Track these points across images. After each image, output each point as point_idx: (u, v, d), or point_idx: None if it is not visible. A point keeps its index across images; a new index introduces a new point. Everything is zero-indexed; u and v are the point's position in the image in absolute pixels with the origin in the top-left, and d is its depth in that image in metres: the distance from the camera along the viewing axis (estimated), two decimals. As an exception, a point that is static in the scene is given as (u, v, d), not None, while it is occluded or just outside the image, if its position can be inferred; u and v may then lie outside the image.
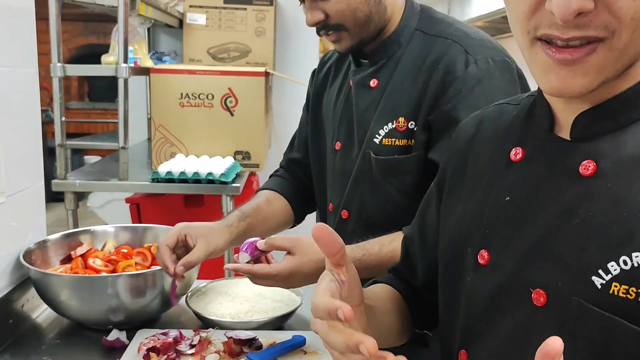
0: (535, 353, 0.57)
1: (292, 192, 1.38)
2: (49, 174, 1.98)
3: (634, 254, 0.52)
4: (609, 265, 0.54)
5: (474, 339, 0.67)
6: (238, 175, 2.24)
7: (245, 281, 1.35)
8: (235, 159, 2.33)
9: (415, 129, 1.10)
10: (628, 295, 0.52)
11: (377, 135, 1.13)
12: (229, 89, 2.30)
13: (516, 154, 0.66)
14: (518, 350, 0.61)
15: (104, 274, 1.24)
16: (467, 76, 1.06)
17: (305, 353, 1.10)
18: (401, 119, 1.11)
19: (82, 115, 5.29)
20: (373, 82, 1.16)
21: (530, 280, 0.60)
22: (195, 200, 2.48)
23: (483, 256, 0.66)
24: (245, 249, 1.08)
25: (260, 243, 1.08)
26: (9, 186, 1.21)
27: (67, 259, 1.33)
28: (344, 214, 1.21)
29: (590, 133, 0.59)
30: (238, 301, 1.25)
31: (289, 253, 1.07)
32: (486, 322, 0.65)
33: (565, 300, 0.56)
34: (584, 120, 0.60)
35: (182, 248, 1.15)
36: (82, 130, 5.04)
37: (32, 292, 1.25)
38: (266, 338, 1.14)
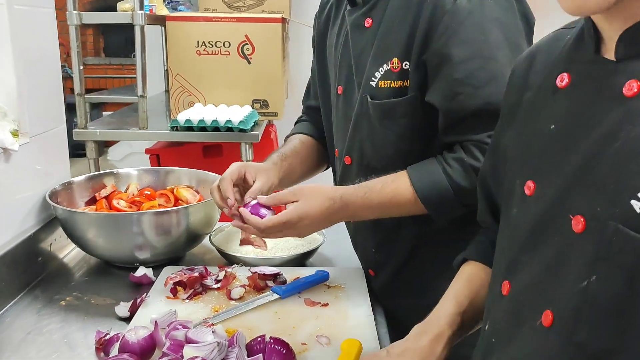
0: (571, 280, 0.56)
1: (319, 134, 1.37)
2: (69, 129, 1.98)
3: None
4: None
5: (517, 269, 0.66)
6: (256, 124, 2.24)
7: (268, 220, 1.36)
8: (253, 107, 2.31)
9: (409, 69, 1.05)
10: None
11: (373, 78, 1.09)
12: (246, 36, 2.27)
13: (562, 79, 0.64)
14: (555, 278, 0.60)
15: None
16: (456, 9, 0.99)
17: (329, 287, 1.12)
18: (395, 60, 1.05)
19: (99, 71, 5.28)
20: (367, 22, 1.11)
21: (571, 207, 0.59)
22: (214, 150, 2.48)
23: (529, 187, 0.65)
24: (251, 211, 1.04)
25: (262, 198, 1.06)
26: (32, 127, 1.22)
27: (92, 201, 1.35)
28: (347, 159, 1.19)
29: (636, 51, 0.56)
30: (261, 239, 1.26)
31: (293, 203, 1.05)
32: (528, 253, 0.64)
33: (603, 225, 0.55)
34: (628, 38, 0.57)
35: (238, 187, 1.13)
36: (99, 86, 5.03)
37: (59, 232, 1.27)
38: (290, 274, 1.15)
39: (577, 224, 0.57)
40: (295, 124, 1.46)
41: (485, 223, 0.88)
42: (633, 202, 0.52)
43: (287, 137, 1.41)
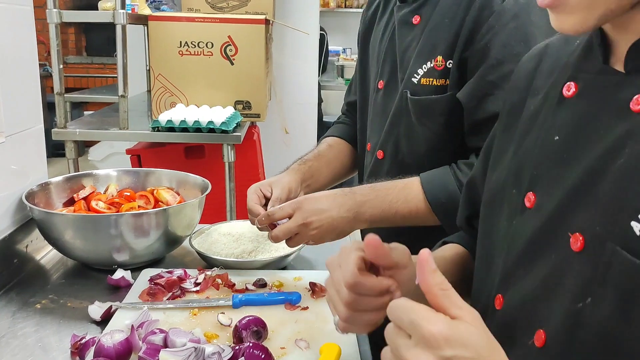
0: (566, 300, 0.54)
1: (353, 134, 1.37)
2: (49, 128, 1.96)
3: None
4: None
5: (511, 284, 0.64)
6: (239, 125, 2.23)
7: (249, 223, 1.35)
8: (235, 108, 2.30)
9: (451, 68, 1.06)
10: None
11: (415, 75, 1.10)
12: (229, 37, 2.26)
13: (569, 88, 0.62)
14: (550, 296, 0.58)
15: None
16: (502, 11, 1.00)
17: (309, 290, 1.10)
18: (439, 58, 1.07)
19: (80, 70, 5.22)
20: (415, 19, 1.12)
21: (570, 223, 0.56)
22: (196, 151, 2.47)
23: (530, 199, 0.63)
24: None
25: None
26: (8, 126, 1.20)
27: (70, 202, 1.33)
28: (380, 154, 1.20)
29: None
30: (242, 242, 1.25)
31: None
32: (524, 267, 0.62)
33: (601, 245, 0.52)
34: (638, 50, 0.55)
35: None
36: (81, 85, 4.98)
37: (36, 233, 1.25)
38: (271, 277, 1.14)
39: (576, 242, 0.55)
40: (333, 124, 1.47)
41: (464, 229, 0.87)
42: (633, 223, 0.50)
43: (320, 139, 1.43)
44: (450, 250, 0.87)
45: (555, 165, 0.61)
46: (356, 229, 1.12)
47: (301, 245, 1.25)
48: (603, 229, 0.53)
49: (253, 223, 1.12)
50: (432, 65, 1.07)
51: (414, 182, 1.08)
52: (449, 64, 1.06)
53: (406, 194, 1.07)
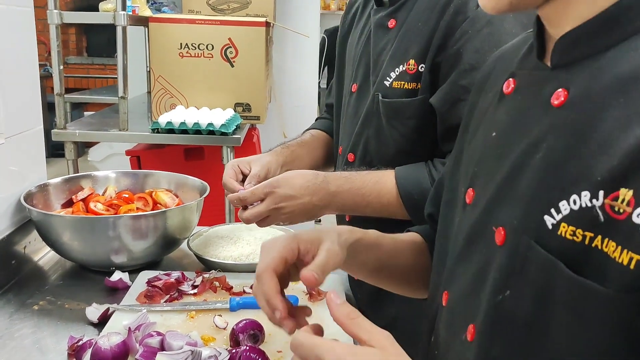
0: (489, 293, 0.55)
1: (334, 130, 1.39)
2: (49, 128, 1.96)
3: (583, 193, 0.47)
4: (560, 204, 0.49)
5: (454, 280, 0.65)
6: (239, 127, 2.23)
7: (247, 226, 1.35)
8: (235, 110, 2.30)
9: (424, 71, 1.07)
10: (575, 238, 0.47)
11: (388, 78, 1.11)
12: (229, 39, 2.26)
13: (508, 85, 0.62)
14: (479, 290, 0.58)
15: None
16: (476, 17, 1.01)
17: (307, 294, 1.10)
18: (412, 61, 1.07)
19: (81, 70, 5.22)
20: (391, 23, 1.13)
21: (495, 218, 0.57)
22: (196, 153, 2.47)
23: (469, 195, 0.64)
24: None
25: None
26: (8, 128, 1.20)
27: (68, 203, 1.33)
28: (350, 157, 1.20)
29: (569, 59, 0.54)
30: (240, 244, 1.25)
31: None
32: (463, 263, 0.63)
33: (518, 239, 0.53)
34: (563, 44, 0.54)
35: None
36: (81, 86, 4.98)
37: (34, 235, 1.25)
38: (268, 280, 1.14)
39: (499, 235, 0.56)
40: (316, 119, 1.50)
41: (429, 223, 0.88)
42: (546, 217, 0.50)
43: (305, 130, 1.45)
44: (407, 236, 0.88)
45: (491, 161, 0.61)
46: (327, 214, 1.14)
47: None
48: (520, 223, 0.53)
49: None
50: (404, 68, 1.08)
51: (388, 176, 1.08)
52: (420, 68, 1.06)
53: (379, 188, 1.08)
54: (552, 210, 0.50)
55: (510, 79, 0.62)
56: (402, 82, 1.08)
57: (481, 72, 0.76)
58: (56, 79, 1.97)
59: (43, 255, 1.29)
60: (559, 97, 0.53)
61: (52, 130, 2.02)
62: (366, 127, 1.15)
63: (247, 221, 1.07)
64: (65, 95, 2.04)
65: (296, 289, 1.12)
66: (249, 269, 1.18)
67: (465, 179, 0.67)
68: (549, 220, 0.50)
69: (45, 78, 4.14)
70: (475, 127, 0.70)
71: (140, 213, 1.21)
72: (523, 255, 0.52)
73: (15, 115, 1.24)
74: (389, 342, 0.53)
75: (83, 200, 1.33)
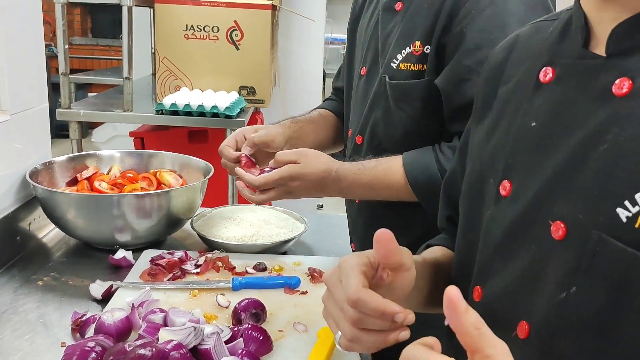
0: (549, 290, 0.54)
1: (342, 111, 1.38)
2: (53, 109, 1.96)
3: None
4: (637, 196, 0.48)
5: (489, 275, 0.63)
6: (243, 111, 2.23)
7: (250, 207, 1.36)
8: (240, 94, 2.31)
9: (429, 53, 1.07)
10: None
11: (394, 60, 1.11)
12: (235, 21, 2.25)
13: (546, 74, 0.60)
14: (531, 287, 0.57)
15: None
16: None
17: (309, 275, 1.11)
18: (417, 43, 1.07)
19: (85, 51, 5.21)
20: (398, 5, 1.13)
21: (550, 211, 0.55)
22: (200, 135, 2.47)
23: (505, 187, 0.62)
24: (244, 167, 1.10)
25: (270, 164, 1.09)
26: (13, 105, 1.21)
27: (73, 182, 1.33)
28: (358, 139, 1.21)
29: (629, 47, 0.53)
30: (243, 226, 1.26)
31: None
32: (502, 257, 0.61)
33: (585, 233, 0.51)
34: (621, 32, 0.53)
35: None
36: (85, 67, 4.97)
37: (38, 212, 1.26)
38: (271, 261, 1.15)
39: (557, 230, 0.54)
40: (324, 100, 1.50)
41: (445, 230, 0.86)
42: (619, 210, 0.49)
43: (313, 109, 1.45)
44: (434, 252, 0.84)
45: (532, 152, 0.60)
46: None
47: (302, 230, 1.26)
48: (586, 217, 0.52)
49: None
50: (410, 50, 1.08)
51: (396, 165, 1.08)
52: (426, 50, 1.06)
53: (388, 179, 1.08)
54: (627, 203, 0.48)
55: (548, 68, 0.60)
56: (409, 64, 1.09)
57: (493, 59, 0.75)
58: (61, 57, 1.97)
59: (47, 233, 1.30)
60: (622, 86, 0.52)
61: (56, 110, 2.03)
62: (374, 109, 1.16)
63: (256, 203, 1.10)
64: (69, 76, 2.04)
65: (298, 270, 1.13)
66: (252, 249, 1.18)
67: (496, 171, 0.65)
68: (622, 214, 0.49)
69: (50, 59, 4.13)
70: (496, 118, 0.68)
71: (144, 192, 1.22)
72: (592, 250, 0.50)
73: (21, 92, 1.24)
74: (510, 358, 0.47)
75: (87, 179, 1.33)
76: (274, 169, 1.07)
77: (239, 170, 1.10)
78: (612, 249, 0.49)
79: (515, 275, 0.59)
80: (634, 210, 0.48)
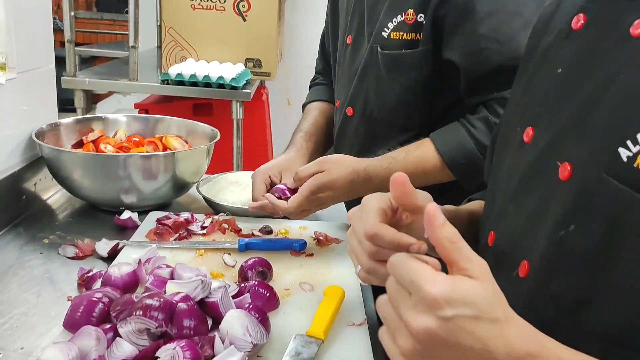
0: (549, 228, 0.54)
1: (332, 95, 1.36)
2: (58, 79, 1.94)
3: None
4: (638, 136, 0.47)
5: (502, 220, 0.63)
6: (249, 82, 2.22)
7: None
8: (246, 66, 2.29)
9: (424, 22, 1.04)
10: None
11: (385, 29, 1.08)
12: (242, -8, 2.23)
13: (577, 21, 0.59)
14: (535, 226, 0.57)
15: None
16: None
17: (315, 239, 1.11)
18: (410, 11, 1.04)
19: (90, 25, 5.16)
20: None
21: (560, 154, 0.55)
22: (205, 108, 2.46)
23: (528, 133, 0.61)
24: (277, 196, 1.08)
25: (290, 182, 1.07)
26: (20, 63, 1.20)
27: (79, 144, 1.33)
28: (349, 111, 1.19)
29: None
30: (248, 190, 1.25)
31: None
32: (515, 201, 0.61)
33: (588, 173, 0.51)
34: None
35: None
36: (90, 41, 4.94)
37: (44, 172, 1.25)
38: (276, 225, 1.15)
39: (564, 171, 0.54)
40: (310, 88, 1.45)
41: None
42: (620, 149, 0.48)
43: (304, 105, 1.40)
44: (473, 205, 0.84)
45: (555, 99, 0.59)
46: None
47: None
48: (591, 157, 0.51)
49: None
50: (402, 18, 1.05)
51: (428, 151, 1.04)
52: (419, 18, 1.03)
53: (423, 166, 1.04)
54: (628, 142, 0.48)
55: (580, 14, 0.59)
56: (401, 33, 1.06)
57: (542, 13, 0.73)
58: (67, 25, 1.95)
59: (53, 194, 1.30)
60: (638, 27, 0.50)
61: (61, 78, 2.01)
62: (365, 80, 1.12)
63: (290, 215, 1.08)
64: (75, 47, 2.03)
65: (304, 235, 1.12)
66: (257, 214, 1.18)
67: (524, 119, 0.64)
68: (623, 153, 0.48)
69: (54, 32, 4.11)
70: (534, 68, 0.67)
71: (151, 153, 1.21)
72: (592, 189, 0.50)
73: (27, 51, 1.23)
74: (486, 274, 0.48)
75: (93, 141, 1.32)
76: (290, 189, 1.06)
77: (270, 196, 1.07)
78: (611, 189, 0.49)
79: (522, 217, 0.60)
80: (635, 149, 0.48)
